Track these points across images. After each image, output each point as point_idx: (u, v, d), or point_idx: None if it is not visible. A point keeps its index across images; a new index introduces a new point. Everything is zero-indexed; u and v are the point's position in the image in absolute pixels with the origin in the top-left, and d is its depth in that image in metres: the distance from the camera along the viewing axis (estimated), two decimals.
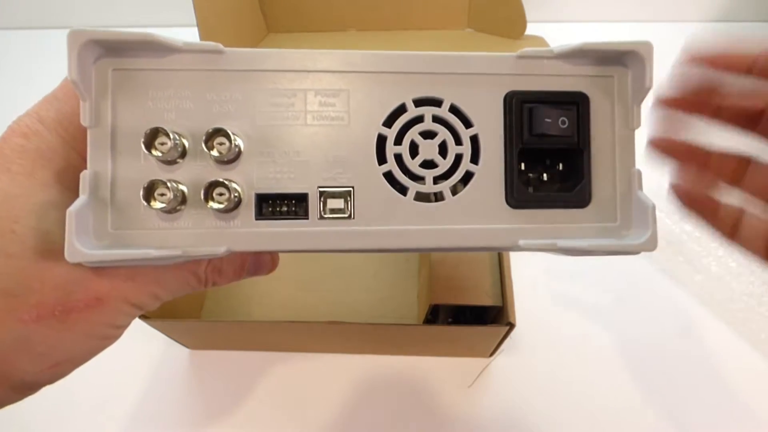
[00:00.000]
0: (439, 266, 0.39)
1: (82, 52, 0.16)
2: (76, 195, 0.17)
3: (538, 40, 0.64)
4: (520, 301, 0.36)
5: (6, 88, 0.68)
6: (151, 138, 0.17)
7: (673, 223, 0.47)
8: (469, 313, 0.40)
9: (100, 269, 0.17)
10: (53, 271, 0.17)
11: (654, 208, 0.18)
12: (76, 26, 0.16)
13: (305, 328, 0.38)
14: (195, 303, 0.44)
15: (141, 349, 0.42)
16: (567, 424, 0.39)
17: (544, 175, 0.20)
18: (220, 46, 0.18)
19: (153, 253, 0.16)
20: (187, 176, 0.18)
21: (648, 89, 0.19)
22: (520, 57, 0.19)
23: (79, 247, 0.16)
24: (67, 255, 0.16)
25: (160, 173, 0.18)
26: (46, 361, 0.17)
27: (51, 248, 0.17)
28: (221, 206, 0.17)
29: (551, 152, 0.20)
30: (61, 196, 0.17)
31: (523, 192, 0.19)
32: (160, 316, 0.36)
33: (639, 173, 0.19)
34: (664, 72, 0.21)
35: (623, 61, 0.19)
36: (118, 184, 0.17)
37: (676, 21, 0.75)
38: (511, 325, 0.34)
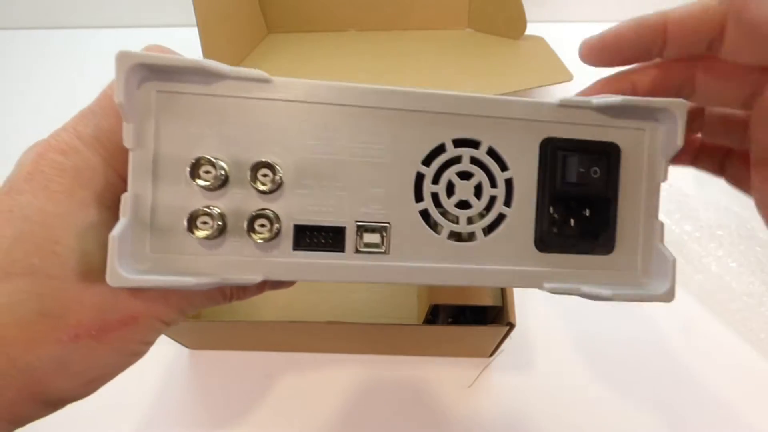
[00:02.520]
0: None
1: (130, 75, 0.16)
2: (115, 215, 0.17)
3: (538, 40, 0.64)
4: (520, 301, 0.36)
5: (6, 88, 0.68)
6: (196, 166, 0.17)
7: (673, 223, 0.47)
8: (469, 313, 0.40)
9: (135, 290, 0.17)
10: (91, 291, 0.17)
11: (674, 262, 0.19)
12: (125, 51, 0.16)
13: (305, 328, 0.38)
14: None
15: None
16: (567, 424, 0.39)
17: (572, 220, 0.20)
18: (267, 75, 0.18)
19: (192, 281, 0.17)
20: (228, 204, 0.18)
21: (679, 146, 0.19)
22: (561, 105, 0.19)
23: (121, 273, 0.16)
24: (109, 279, 0.16)
25: (202, 200, 0.18)
26: (81, 378, 0.17)
27: (90, 269, 0.17)
28: (262, 237, 0.18)
29: (580, 198, 0.20)
30: (99, 216, 0.17)
31: (551, 236, 0.20)
32: None
33: (662, 225, 0.20)
34: None
35: (656, 116, 0.20)
36: (158, 208, 0.18)
37: None
38: (511, 325, 0.34)
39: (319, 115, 0.18)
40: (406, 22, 0.70)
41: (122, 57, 0.16)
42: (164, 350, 0.42)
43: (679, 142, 0.19)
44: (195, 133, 0.18)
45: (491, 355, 0.41)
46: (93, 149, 0.17)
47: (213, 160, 0.17)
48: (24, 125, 0.65)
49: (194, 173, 0.17)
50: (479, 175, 0.19)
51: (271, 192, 0.18)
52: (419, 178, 0.19)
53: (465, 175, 0.19)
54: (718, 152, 0.23)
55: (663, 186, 0.20)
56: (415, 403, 0.40)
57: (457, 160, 0.19)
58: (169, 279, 0.17)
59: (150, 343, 0.19)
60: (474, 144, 0.19)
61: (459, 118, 0.19)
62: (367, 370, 0.41)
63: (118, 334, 0.17)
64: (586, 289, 0.19)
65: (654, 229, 0.20)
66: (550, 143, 0.19)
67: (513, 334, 0.35)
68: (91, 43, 0.76)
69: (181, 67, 0.17)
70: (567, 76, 0.55)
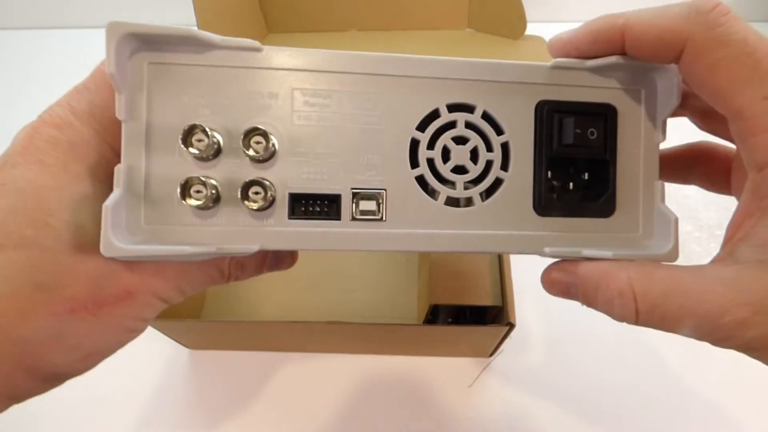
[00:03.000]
0: (439, 266, 0.39)
1: (120, 45, 0.16)
2: (109, 188, 0.17)
3: (538, 40, 0.64)
4: (520, 301, 0.36)
5: (6, 88, 0.68)
6: (188, 134, 0.17)
7: None
8: (469, 313, 0.40)
9: (130, 263, 0.17)
10: (86, 264, 0.17)
11: (677, 221, 0.19)
12: (113, 19, 0.16)
13: (305, 328, 0.38)
14: (195, 303, 0.44)
15: (141, 348, 0.42)
16: (567, 425, 0.39)
17: (570, 184, 0.20)
18: (258, 43, 0.17)
19: (188, 249, 0.17)
20: (222, 173, 0.18)
21: (675, 105, 0.19)
22: (554, 67, 0.19)
23: (115, 242, 0.16)
24: (103, 249, 0.16)
25: (196, 170, 0.18)
26: (77, 353, 0.17)
27: (84, 242, 0.17)
28: (257, 205, 0.18)
29: (578, 161, 0.20)
30: (93, 189, 0.17)
31: (550, 200, 0.20)
32: (160, 316, 0.36)
33: (662, 185, 0.20)
34: None
35: (651, 75, 0.19)
36: (152, 179, 0.17)
37: None
38: (511, 325, 0.34)
39: (311, 83, 0.18)
40: (406, 22, 0.70)
41: (112, 27, 0.16)
42: (164, 350, 0.42)
43: (676, 100, 0.19)
44: (187, 102, 0.17)
45: (491, 355, 0.41)
46: (87, 124, 0.17)
47: (206, 128, 0.17)
48: (24, 125, 0.65)
49: (187, 141, 0.17)
50: (475, 140, 0.19)
51: (264, 160, 0.18)
52: (414, 144, 0.19)
53: (460, 140, 0.19)
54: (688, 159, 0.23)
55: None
56: (415, 403, 0.40)
57: (452, 125, 0.19)
58: (163, 248, 0.17)
59: (146, 320, 0.19)
60: (469, 108, 0.19)
61: (453, 83, 0.19)
62: (367, 370, 0.41)
63: (113, 308, 0.17)
64: (587, 252, 0.19)
65: (654, 189, 0.20)
66: (545, 105, 0.19)
67: (513, 334, 0.35)
68: (91, 43, 0.76)
69: (173, 36, 0.17)
70: None
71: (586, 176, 0.20)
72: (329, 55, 0.18)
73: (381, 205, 0.19)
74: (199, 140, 0.17)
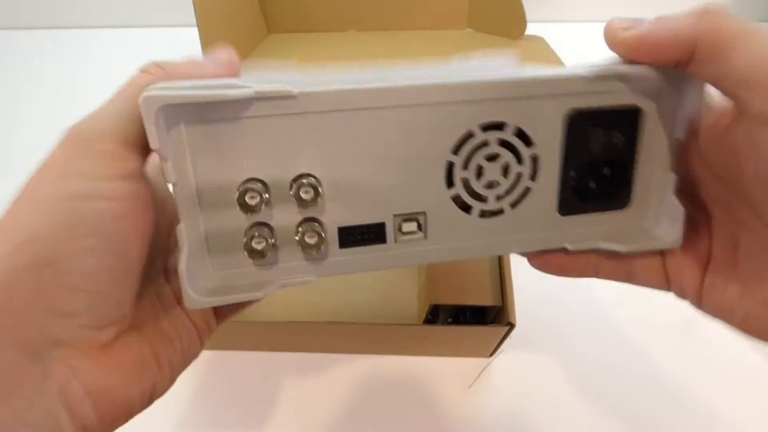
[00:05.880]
0: (439, 266, 0.39)
1: (158, 118, 0.16)
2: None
3: (538, 40, 0.64)
4: (520, 301, 0.36)
5: (6, 88, 0.68)
6: (242, 193, 0.18)
7: None
8: (469, 313, 0.40)
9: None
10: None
11: (684, 212, 0.20)
12: (148, 93, 0.16)
13: (305, 328, 0.38)
14: None
15: None
16: (567, 424, 0.39)
17: (591, 183, 0.21)
18: (292, 90, 0.17)
19: (259, 295, 0.19)
20: (275, 220, 0.19)
21: (697, 107, 0.19)
22: (585, 78, 0.19)
23: (195, 297, 0.18)
24: (187, 304, 0.18)
25: (251, 220, 0.19)
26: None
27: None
28: (311, 242, 0.19)
29: (601, 162, 0.21)
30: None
31: (573, 201, 0.21)
32: None
33: (675, 178, 0.20)
34: None
35: (677, 78, 0.19)
36: (211, 234, 0.19)
37: None
38: (511, 325, 0.34)
39: (347, 121, 0.18)
40: (406, 22, 0.70)
41: (147, 101, 0.16)
42: None
43: (699, 103, 0.19)
44: (231, 158, 0.18)
45: (491, 355, 0.41)
46: (136, 152, 0.17)
47: (255, 185, 0.18)
48: (24, 125, 0.65)
49: (241, 201, 0.18)
50: (506, 155, 0.20)
51: (312, 202, 0.19)
52: (450, 166, 0.20)
53: (492, 157, 0.20)
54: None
55: None
56: (415, 403, 0.40)
57: (485, 144, 0.20)
58: (238, 297, 0.19)
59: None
60: (500, 126, 0.19)
61: (485, 104, 0.19)
62: (367, 370, 0.41)
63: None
64: (602, 245, 0.21)
65: (667, 181, 0.20)
66: (574, 115, 0.20)
67: (513, 334, 0.35)
68: (91, 43, 0.76)
69: (208, 102, 0.17)
70: None
71: (607, 173, 0.21)
72: (360, 93, 0.18)
73: (422, 225, 0.20)
74: (252, 197, 0.18)
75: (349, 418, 0.39)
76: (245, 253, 0.19)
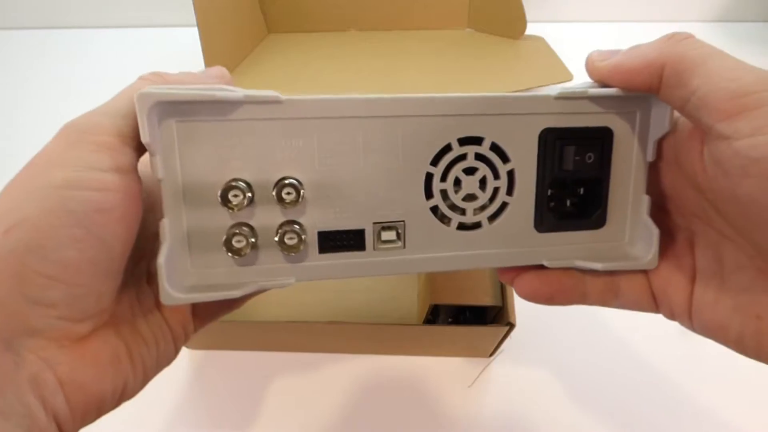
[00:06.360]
0: None
1: (151, 114, 0.17)
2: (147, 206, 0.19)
3: (538, 40, 0.64)
4: (520, 301, 0.36)
5: (6, 88, 0.68)
6: (225, 191, 0.18)
7: None
8: (469, 313, 0.40)
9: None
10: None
11: (658, 234, 0.21)
12: (144, 91, 0.17)
13: (305, 328, 0.38)
14: None
15: None
16: (567, 425, 0.39)
17: (567, 201, 0.21)
18: (280, 96, 0.18)
19: (237, 293, 0.19)
20: (257, 221, 0.19)
21: (667, 129, 0.20)
22: (558, 98, 0.20)
23: (172, 293, 0.18)
24: (163, 299, 0.18)
25: (232, 220, 0.19)
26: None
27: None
28: (290, 245, 0.19)
29: (575, 181, 0.21)
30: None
31: (549, 218, 0.21)
32: None
33: (648, 200, 0.21)
34: None
35: (647, 101, 0.21)
36: (193, 231, 0.19)
37: (676, 21, 0.76)
38: (511, 325, 0.34)
39: (332, 129, 0.19)
40: (406, 22, 0.70)
41: (142, 97, 0.17)
42: None
43: (668, 125, 0.20)
44: (217, 157, 0.19)
45: (491, 355, 0.41)
46: (131, 147, 0.18)
47: (239, 183, 0.18)
48: (24, 125, 0.65)
49: (224, 197, 0.18)
50: (483, 170, 0.21)
51: (294, 205, 0.19)
52: (428, 177, 0.20)
53: (470, 171, 0.21)
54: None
55: None
56: (415, 403, 0.40)
57: (462, 157, 0.20)
58: (215, 294, 0.18)
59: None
60: (478, 141, 0.20)
61: (463, 119, 0.20)
62: (367, 370, 0.41)
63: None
64: (579, 263, 0.21)
65: (641, 203, 0.21)
66: (548, 134, 0.21)
67: (513, 334, 0.35)
68: (91, 43, 0.76)
69: (197, 101, 0.18)
70: (567, 76, 0.55)
71: (582, 192, 0.22)
72: (346, 102, 0.19)
73: (400, 234, 0.20)
74: (236, 195, 0.18)
75: (349, 418, 0.39)
76: (225, 250, 0.19)
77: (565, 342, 0.43)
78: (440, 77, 0.60)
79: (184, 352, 0.43)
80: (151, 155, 0.17)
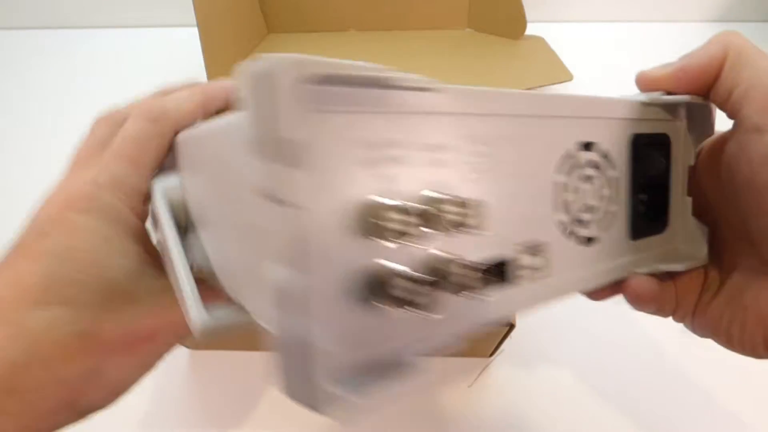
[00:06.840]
0: None
1: (295, 93, 0.12)
2: (135, 247, 0.19)
3: (538, 40, 0.64)
4: None
5: (6, 88, 0.68)
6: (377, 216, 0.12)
7: None
8: None
9: (156, 311, 0.20)
10: (119, 313, 0.19)
11: (708, 231, 0.22)
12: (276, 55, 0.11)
13: None
14: None
15: None
16: (567, 425, 0.39)
17: (646, 207, 0.22)
18: (433, 81, 0.14)
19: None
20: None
21: (710, 134, 0.22)
22: (646, 104, 0.20)
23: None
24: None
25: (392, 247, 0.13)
26: (108, 388, 0.20)
27: (116, 294, 0.19)
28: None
29: (654, 186, 0.22)
30: (123, 248, 0.19)
31: (640, 225, 0.21)
32: None
33: (691, 201, 0.22)
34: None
35: (693, 109, 0.22)
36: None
37: (676, 21, 0.75)
38: (511, 325, 0.34)
39: (478, 128, 0.15)
40: (406, 22, 0.70)
41: (281, 66, 0.11)
42: None
43: (711, 130, 0.22)
44: (359, 161, 0.13)
45: (491, 355, 0.41)
46: (112, 195, 0.19)
47: (397, 203, 0.12)
48: (23, 125, 0.65)
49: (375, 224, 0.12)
50: (597, 177, 0.19)
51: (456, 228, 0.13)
52: (555, 187, 0.18)
53: (587, 179, 0.19)
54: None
55: None
56: (415, 403, 0.40)
57: (581, 164, 0.19)
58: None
59: (163, 356, 0.21)
60: (589, 146, 0.19)
61: (578, 121, 0.18)
62: None
63: (140, 348, 0.20)
64: (663, 266, 0.21)
65: (687, 204, 0.22)
66: (639, 139, 0.21)
67: (513, 334, 0.35)
68: (91, 43, 0.76)
69: (353, 77, 0.12)
70: (567, 76, 0.55)
71: (659, 197, 0.22)
72: (494, 95, 0.15)
73: (545, 258, 0.17)
74: (394, 219, 0.12)
75: None
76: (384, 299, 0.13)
77: (565, 342, 0.43)
78: (440, 77, 0.60)
79: (184, 352, 0.43)
80: (293, 166, 0.11)
